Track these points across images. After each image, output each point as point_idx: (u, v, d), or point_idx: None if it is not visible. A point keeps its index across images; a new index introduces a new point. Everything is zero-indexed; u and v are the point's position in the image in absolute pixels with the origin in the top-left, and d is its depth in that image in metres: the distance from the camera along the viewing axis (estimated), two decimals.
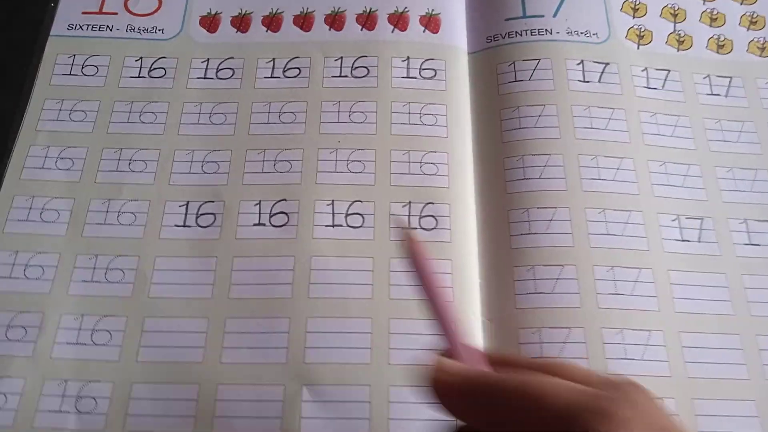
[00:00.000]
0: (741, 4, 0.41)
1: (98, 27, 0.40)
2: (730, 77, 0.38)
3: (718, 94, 0.38)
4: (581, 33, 0.38)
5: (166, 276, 0.32)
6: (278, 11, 0.40)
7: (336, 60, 0.38)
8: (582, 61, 0.37)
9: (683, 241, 0.33)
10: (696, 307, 0.31)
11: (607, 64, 0.37)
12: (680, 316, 0.31)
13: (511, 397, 0.20)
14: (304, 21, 0.39)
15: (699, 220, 0.34)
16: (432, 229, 0.33)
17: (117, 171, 0.35)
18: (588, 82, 0.37)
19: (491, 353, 0.23)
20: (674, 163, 0.35)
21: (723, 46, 0.39)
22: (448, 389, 0.21)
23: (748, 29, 0.40)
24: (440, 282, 0.23)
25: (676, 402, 0.29)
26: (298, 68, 0.38)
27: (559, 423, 0.18)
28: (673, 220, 0.33)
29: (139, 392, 0.29)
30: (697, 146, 0.36)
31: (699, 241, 0.33)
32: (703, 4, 0.41)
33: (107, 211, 0.34)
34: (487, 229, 0.33)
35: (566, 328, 0.30)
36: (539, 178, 0.34)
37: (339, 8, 0.40)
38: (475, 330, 0.31)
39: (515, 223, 0.33)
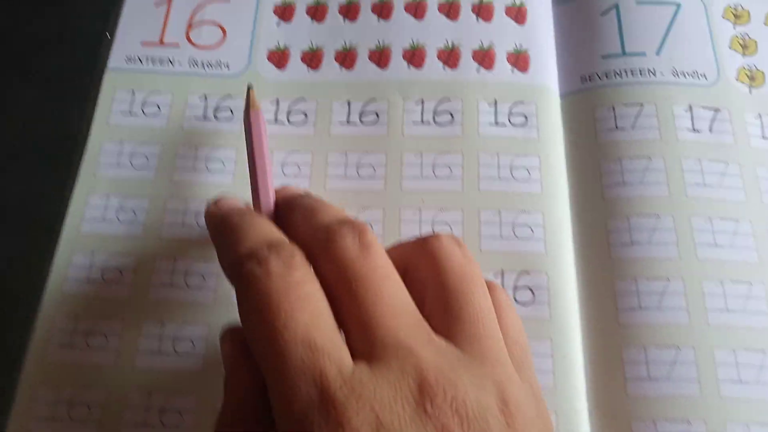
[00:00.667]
0: None
1: (159, 60, 0.37)
2: None
3: None
4: (688, 74, 0.35)
5: None
6: (352, 45, 0.37)
7: (417, 103, 0.35)
8: (690, 107, 0.34)
9: None
10: None
11: (718, 110, 0.34)
12: None
13: (219, 229, 0.25)
14: (380, 56, 0.36)
15: None
16: (528, 303, 0.30)
17: (182, 225, 0.32)
18: (698, 131, 0.33)
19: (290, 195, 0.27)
20: None
21: None
22: (208, 216, 0.27)
23: None
24: (265, 147, 0.29)
25: None
26: (375, 113, 0.34)
27: (233, 266, 0.22)
28: None
29: None
30: None
31: None
32: None
33: (173, 271, 0.31)
34: (591, 303, 0.30)
35: (686, 421, 0.27)
36: (648, 243, 0.31)
37: (418, 42, 0.36)
38: (582, 423, 0.28)
39: (623, 296, 0.30)
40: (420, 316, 0.21)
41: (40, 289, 0.31)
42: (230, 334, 0.23)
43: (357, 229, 0.22)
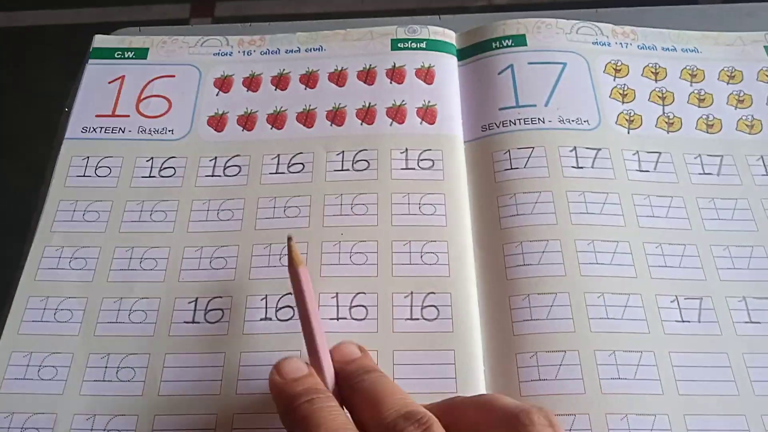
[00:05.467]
0: (728, 83, 0.42)
1: (111, 129, 0.42)
2: (721, 155, 0.39)
3: (710, 173, 0.39)
4: (572, 121, 0.40)
5: (176, 373, 0.33)
6: (282, 109, 0.42)
7: (338, 154, 0.39)
8: (575, 148, 0.39)
9: (683, 322, 0.33)
10: (699, 389, 0.32)
11: (599, 149, 0.39)
12: (684, 399, 0.31)
13: (289, 414, 0.26)
14: (306, 118, 0.41)
15: (698, 300, 0.34)
16: (434, 319, 0.33)
17: (128, 270, 0.36)
18: (581, 168, 0.38)
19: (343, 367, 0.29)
20: (670, 244, 0.36)
21: (712, 125, 0.41)
22: (273, 387, 0.27)
23: (735, 108, 0.41)
24: (314, 306, 0.29)
25: None
26: (301, 163, 0.39)
27: None
28: (671, 302, 0.34)
29: None
30: (692, 226, 0.37)
31: (699, 322, 0.33)
32: (691, 85, 0.42)
33: (119, 310, 0.35)
34: (489, 317, 0.34)
35: (571, 414, 0.31)
36: (538, 264, 0.35)
37: (340, 104, 0.41)
38: None
39: (516, 309, 0.34)
40: None
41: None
42: None
43: (422, 426, 0.24)
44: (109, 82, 0.44)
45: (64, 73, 0.45)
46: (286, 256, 0.30)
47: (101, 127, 0.42)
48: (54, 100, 0.44)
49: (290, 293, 0.34)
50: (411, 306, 0.34)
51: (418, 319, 0.33)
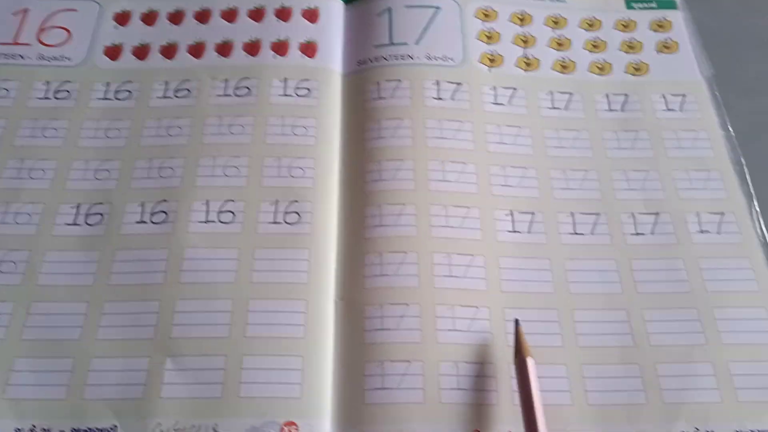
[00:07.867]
0: (587, 30, 0.47)
1: (11, 56, 0.44)
2: (571, 93, 0.44)
3: (558, 108, 0.43)
4: (438, 58, 0.44)
5: (54, 267, 0.36)
6: (174, 42, 0.45)
7: (221, 81, 0.43)
8: (437, 82, 0.43)
9: (514, 232, 0.38)
10: (520, 288, 0.36)
11: (460, 84, 0.43)
12: (505, 295, 0.36)
13: None
14: (196, 49, 0.44)
15: (530, 215, 0.38)
16: (295, 223, 0.37)
17: (18, 178, 0.39)
18: (441, 99, 0.42)
19: None
20: (512, 167, 0.40)
21: (567, 66, 0.45)
22: None
23: (590, 52, 0.46)
24: (539, 398, 0.31)
25: (496, 367, 0.34)
26: (187, 89, 0.42)
27: None
28: (506, 215, 0.38)
29: (21, 365, 0.33)
30: (534, 152, 0.41)
31: (529, 232, 0.38)
32: (553, 31, 0.47)
33: (5, 212, 0.38)
34: (346, 223, 0.38)
35: (404, 304, 0.35)
36: (392, 179, 0.39)
37: (228, 38, 0.45)
38: (328, 309, 0.35)
39: (369, 217, 0.38)
40: None
41: None
42: None
43: None
44: (13, 14, 0.46)
45: None
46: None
47: (2, 54, 0.44)
48: None
49: (165, 201, 0.38)
50: (275, 212, 0.38)
51: (280, 223, 0.37)
